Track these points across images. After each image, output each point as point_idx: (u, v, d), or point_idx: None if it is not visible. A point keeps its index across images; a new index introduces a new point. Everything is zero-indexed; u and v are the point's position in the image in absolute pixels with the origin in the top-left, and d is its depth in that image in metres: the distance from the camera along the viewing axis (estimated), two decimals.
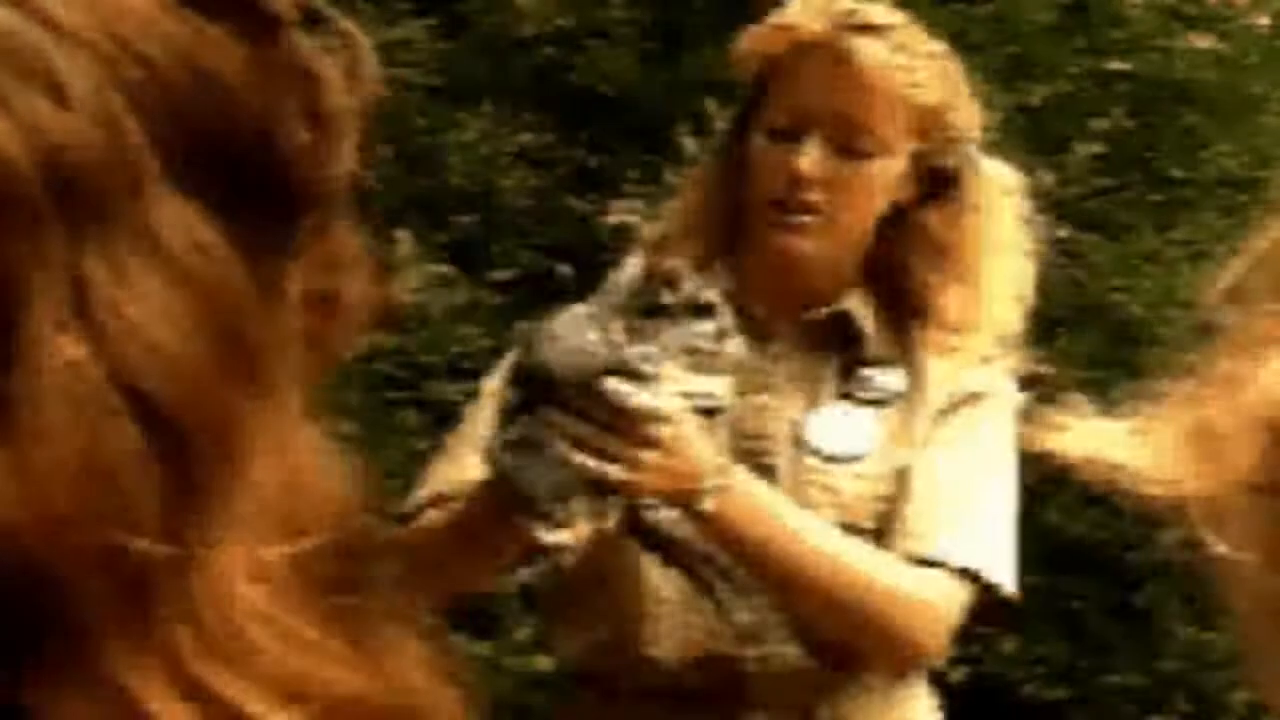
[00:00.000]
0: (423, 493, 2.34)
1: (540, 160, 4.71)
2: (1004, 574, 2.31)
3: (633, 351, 2.15)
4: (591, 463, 2.13)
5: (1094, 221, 4.89)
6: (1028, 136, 4.72)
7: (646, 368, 2.15)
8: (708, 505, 2.19)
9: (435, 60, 4.66)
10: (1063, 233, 4.74)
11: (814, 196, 2.30)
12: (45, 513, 0.52)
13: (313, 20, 0.61)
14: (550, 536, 2.19)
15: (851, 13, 2.32)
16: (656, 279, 2.18)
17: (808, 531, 2.23)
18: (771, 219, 2.33)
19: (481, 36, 4.78)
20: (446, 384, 4.23)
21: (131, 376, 0.54)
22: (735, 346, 2.19)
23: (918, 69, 2.31)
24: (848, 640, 2.27)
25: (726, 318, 2.18)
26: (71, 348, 0.53)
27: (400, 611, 0.60)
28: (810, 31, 2.31)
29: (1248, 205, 4.86)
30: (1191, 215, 4.95)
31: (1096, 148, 4.91)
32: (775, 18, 2.36)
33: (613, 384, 2.13)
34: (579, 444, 2.13)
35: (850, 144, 2.30)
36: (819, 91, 2.30)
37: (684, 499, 2.20)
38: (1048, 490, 4.54)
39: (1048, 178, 4.70)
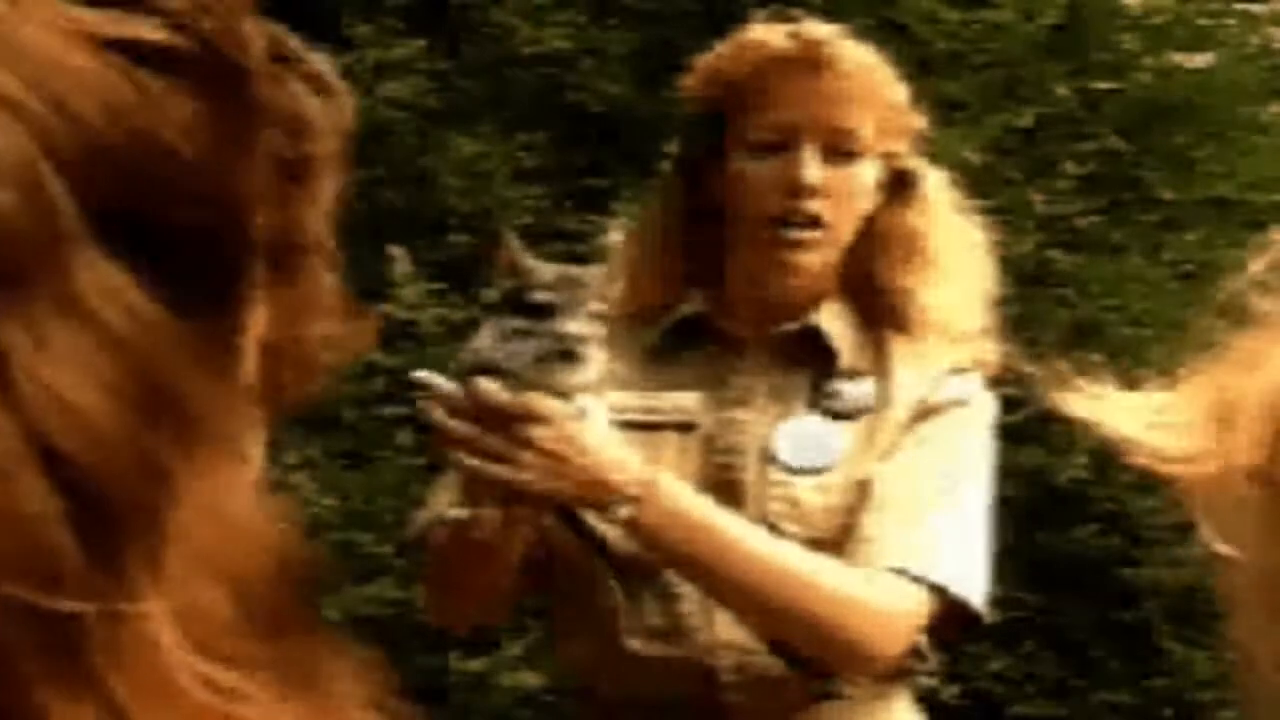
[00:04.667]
0: (426, 516, 2.36)
1: (535, 179, 4.73)
2: (964, 582, 2.30)
3: (492, 348, 2.18)
4: (473, 461, 2.16)
5: (1084, 242, 4.91)
6: (1018, 157, 4.74)
7: (508, 364, 2.17)
8: (623, 513, 2.21)
9: (432, 80, 4.68)
10: (1052, 253, 4.77)
11: (816, 206, 2.32)
12: None
13: (285, 62, 0.60)
14: (454, 511, 2.22)
15: (809, 28, 2.37)
16: (498, 269, 2.22)
17: (744, 540, 2.24)
18: (772, 236, 2.34)
19: (478, 57, 4.80)
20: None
21: (48, 439, 0.54)
22: (544, 343, 2.17)
23: (886, 69, 2.36)
24: (797, 646, 2.29)
25: (568, 320, 2.17)
26: None
27: (338, 646, 0.61)
28: (781, 47, 2.35)
29: (1237, 226, 4.89)
30: (1181, 236, 4.98)
31: (1086, 168, 4.93)
32: (740, 39, 2.39)
33: (481, 382, 2.17)
34: (465, 443, 2.17)
35: (840, 149, 2.33)
36: (805, 102, 2.33)
37: (594, 505, 2.23)
38: (1039, 508, 4.56)
39: (1037, 198, 4.73)
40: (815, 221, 2.33)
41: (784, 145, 2.33)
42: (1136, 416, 0.74)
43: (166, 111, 0.57)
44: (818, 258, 2.35)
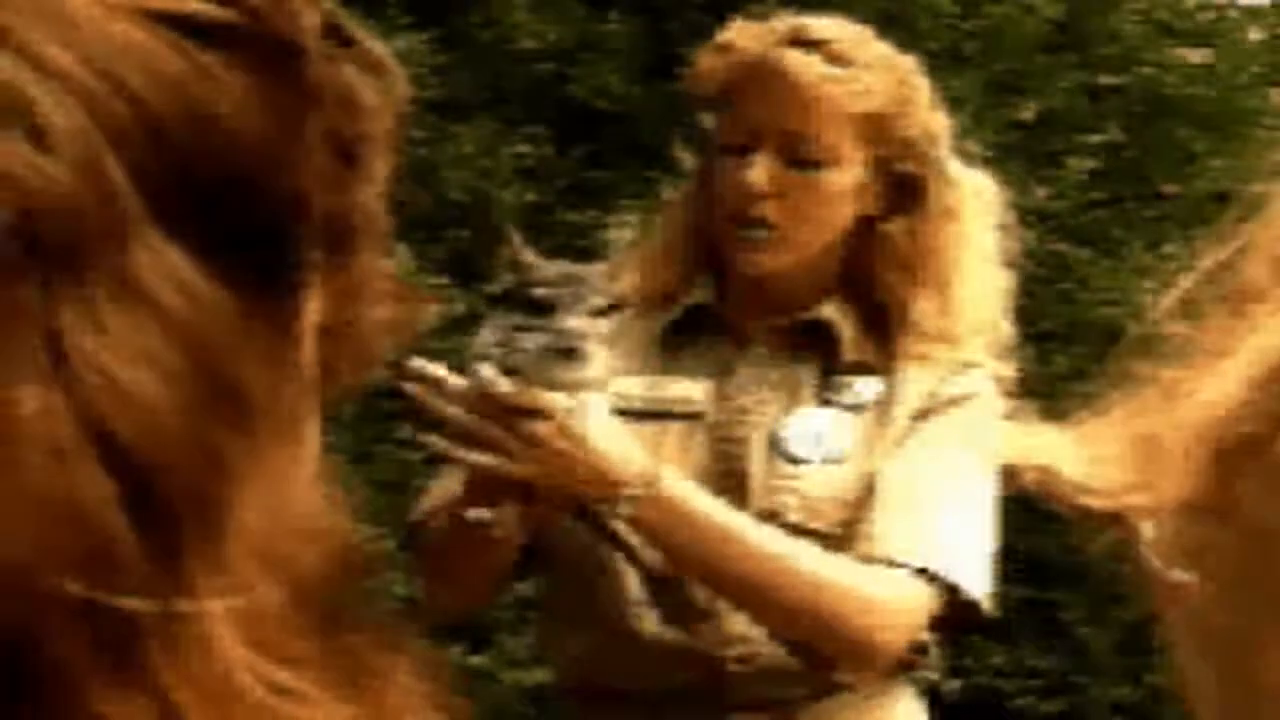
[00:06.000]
0: (424, 505, 2.36)
1: (536, 174, 4.73)
2: (970, 577, 2.30)
3: (494, 345, 2.19)
4: (472, 453, 2.16)
5: (1086, 236, 4.91)
6: (1020, 152, 4.74)
7: (510, 360, 2.17)
8: (625, 510, 2.21)
9: (432, 74, 4.68)
10: (1055, 247, 4.77)
11: (767, 210, 2.34)
12: (14, 561, 0.52)
13: (341, 42, 0.59)
14: (472, 513, 2.22)
15: (789, 28, 2.36)
16: (502, 266, 2.22)
17: (747, 536, 2.24)
18: (731, 235, 2.36)
19: (478, 51, 4.80)
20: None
21: (105, 425, 0.53)
22: (543, 339, 2.17)
23: (856, 77, 2.34)
24: (801, 641, 2.29)
25: (569, 316, 2.17)
26: (43, 397, 0.52)
27: (396, 640, 0.59)
28: (746, 50, 2.35)
29: (1240, 219, 4.88)
30: (1184, 230, 4.98)
31: (1089, 163, 4.93)
32: (715, 40, 2.40)
33: (486, 372, 2.17)
34: (467, 434, 2.18)
35: (797, 156, 2.34)
36: (761, 107, 2.34)
37: (596, 501, 2.22)
38: (1040, 503, 4.56)
39: (1040, 193, 4.72)
40: (765, 223, 2.34)
41: (746, 148, 2.34)
42: (1061, 453, 0.73)
43: (220, 87, 0.55)
44: (773, 258, 2.35)
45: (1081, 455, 0.71)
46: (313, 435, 0.59)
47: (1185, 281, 0.71)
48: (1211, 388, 0.68)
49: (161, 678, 0.54)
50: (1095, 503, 0.71)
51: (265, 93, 0.56)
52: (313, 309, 0.58)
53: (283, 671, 0.56)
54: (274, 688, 0.56)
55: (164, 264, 0.55)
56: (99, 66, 0.54)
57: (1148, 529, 0.70)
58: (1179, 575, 0.69)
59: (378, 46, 0.60)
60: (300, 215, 0.57)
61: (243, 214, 0.56)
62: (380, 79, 0.60)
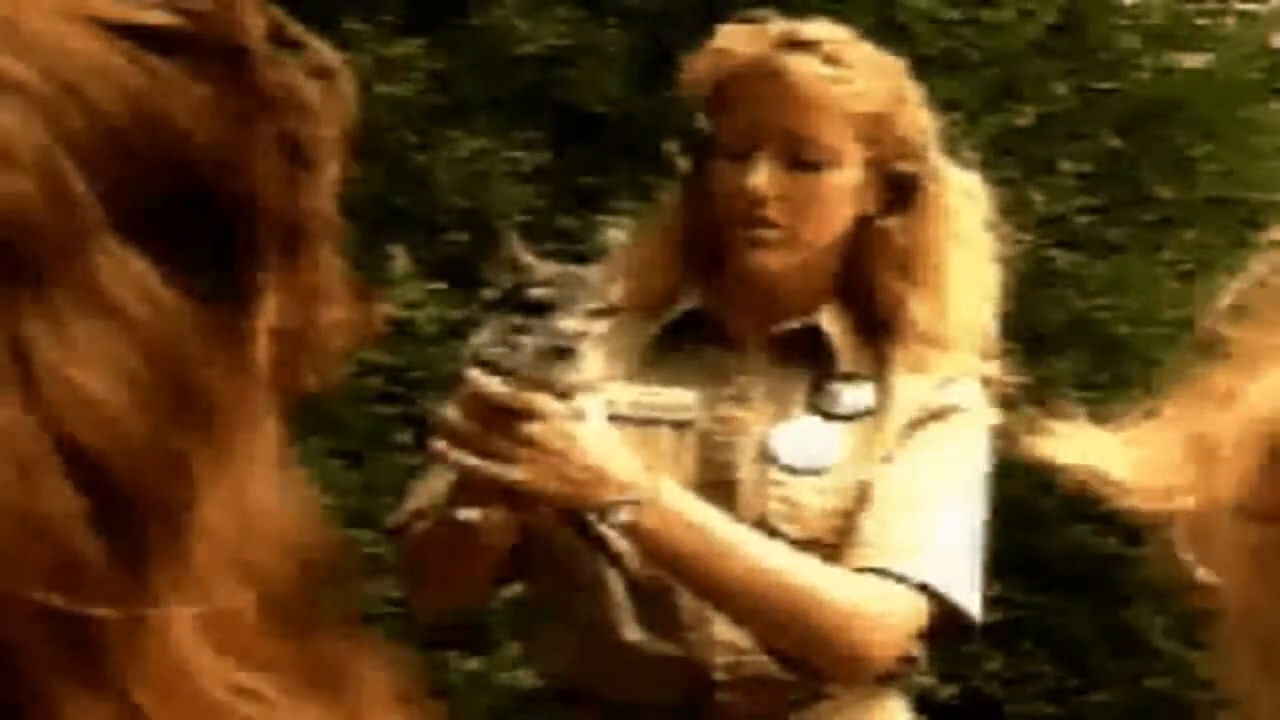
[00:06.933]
0: (408, 507, 2.36)
1: (533, 178, 4.73)
2: (959, 588, 2.31)
3: (492, 345, 2.18)
4: (470, 458, 2.16)
5: (1082, 241, 4.91)
6: (1016, 156, 4.74)
7: (507, 361, 2.17)
8: (621, 517, 2.21)
9: (429, 78, 4.68)
10: (1050, 252, 4.77)
11: (772, 213, 2.34)
12: None
13: (288, 45, 0.60)
14: (462, 514, 2.22)
15: (782, 32, 2.37)
16: (499, 267, 2.22)
17: (743, 547, 2.25)
18: (736, 238, 2.36)
19: (475, 54, 4.80)
20: (438, 400, 4.24)
21: (70, 436, 0.53)
22: (540, 340, 2.17)
23: (853, 78, 2.34)
24: (793, 652, 2.29)
25: (565, 317, 2.17)
26: (7, 410, 0.53)
27: (368, 642, 0.60)
28: (742, 54, 2.36)
29: (1236, 225, 4.89)
30: (1180, 234, 4.98)
31: (1084, 167, 4.93)
32: (710, 44, 2.41)
33: (476, 375, 2.17)
34: (458, 440, 2.17)
35: (798, 158, 2.34)
36: (759, 110, 2.35)
37: (590, 508, 2.22)
38: (1034, 508, 4.56)
39: (1036, 197, 4.72)
40: (771, 225, 2.34)
41: (746, 152, 2.34)
42: (1111, 455, 0.72)
43: (176, 95, 0.56)
44: (779, 261, 2.35)
45: (1131, 457, 0.71)
46: (273, 437, 0.59)
47: (1237, 285, 0.71)
48: (1263, 390, 0.68)
49: (124, 681, 0.54)
50: (1145, 504, 0.70)
51: (217, 99, 0.57)
52: (269, 311, 0.58)
53: (244, 674, 0.56)
54: (234, 689, 0.56)
55: (126, 272, 0.55)
56: (58, 78, 0.55)
57: (1197, 532, 0.69)
58: (1228, 579, 0.69)
59: (325, 50, 0.60)
60: (255, 218, 0.57)
61: (199, 220, 0.56)
62: (329, 82, 0.60)
